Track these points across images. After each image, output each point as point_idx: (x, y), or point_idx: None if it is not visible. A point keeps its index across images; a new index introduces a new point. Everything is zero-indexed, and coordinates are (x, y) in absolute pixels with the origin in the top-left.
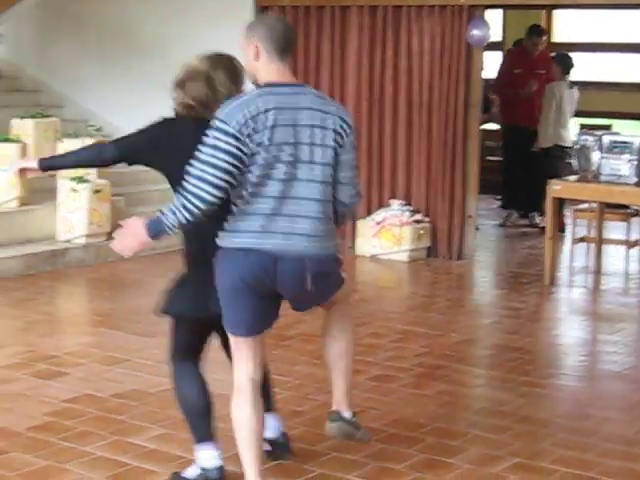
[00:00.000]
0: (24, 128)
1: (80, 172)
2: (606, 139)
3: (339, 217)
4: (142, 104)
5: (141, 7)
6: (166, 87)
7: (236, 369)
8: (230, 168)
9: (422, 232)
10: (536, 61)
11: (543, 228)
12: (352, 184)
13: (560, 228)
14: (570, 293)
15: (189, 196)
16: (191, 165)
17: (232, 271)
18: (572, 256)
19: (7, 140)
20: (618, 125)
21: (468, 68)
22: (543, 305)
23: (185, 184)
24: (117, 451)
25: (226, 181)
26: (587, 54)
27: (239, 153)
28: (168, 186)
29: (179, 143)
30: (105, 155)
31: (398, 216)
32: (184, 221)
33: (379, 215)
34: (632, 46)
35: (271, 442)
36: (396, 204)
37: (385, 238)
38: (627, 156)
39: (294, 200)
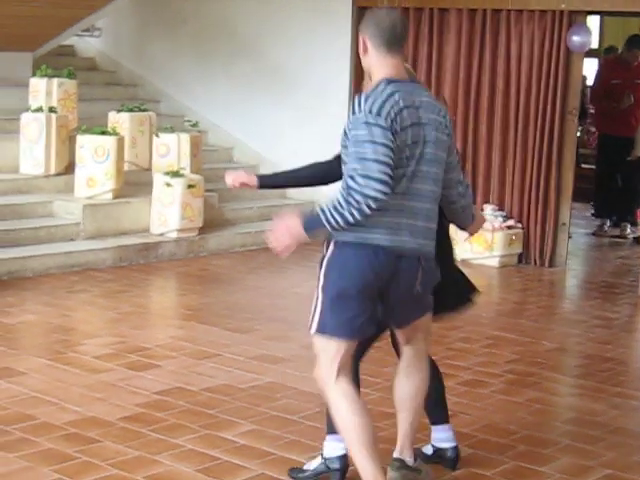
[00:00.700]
0: (120, 121)
1: (175, 166)
2: None
3: (458, 213)
4: (238, 102)
5: (240, 6)
6: (262, 86)
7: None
8: (391, 162)
9: (514, 238)
10: (634, 71)
11: (635, 239)
12: (461, 180)
13: None
14: None
15: (356, 195)
16: (349, 162)
17: (356, 267)
18: None
19: (104, 133)
20: None
21: (567, 75)
22: (637, 316)
23: (350, 182)
24: (207, 445)
25: (390, 176)
26: None
27: (393, 146)
28: None
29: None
30: (329, 176)
31: (491, 221)
32: (350, 219)
33: None
34: None
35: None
36: (489, 209)
37: (477, 243)
38: None
39: (416, 197)
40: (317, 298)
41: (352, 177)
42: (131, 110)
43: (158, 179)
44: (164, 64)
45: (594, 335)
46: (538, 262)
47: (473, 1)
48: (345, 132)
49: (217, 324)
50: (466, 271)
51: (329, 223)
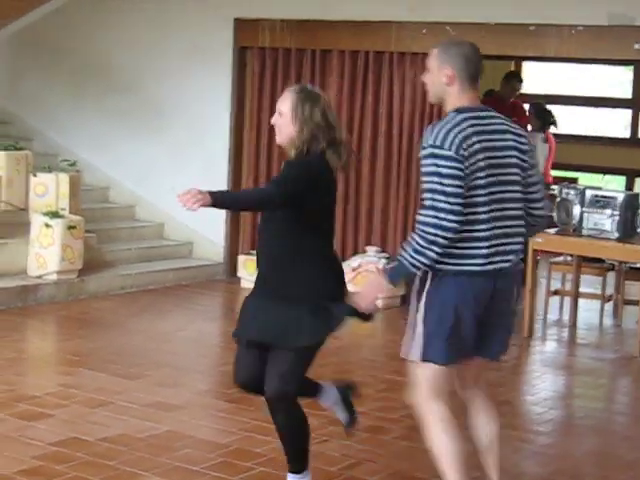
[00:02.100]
0: None
1: (54, 207)
2: (589, 193)
3: (531, 231)
4: (113, 140)
5: (118, 42)
6: (137, 123)
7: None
8: (459, 191)
9: None
10: (508, 107)
11: None
12: (541, 198)
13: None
14: (549, 346)
15: (429, 228)
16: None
17: (457, 295)
18: (547, 309)
19: None
20: (584, 178)
21: None
22: (524, 358)
23: (421, 217)
24: None
25: (460, 204)
26: (555, 106)
27: (462, 174)
28: (138, 224)
29: (329, 177)
30: (273, 201)
31: (374, 263)
32: (433, 255)
33: (355, 261)
34: (598, 100)
35: None
36: (372, 250)
37: (361, 284)
38: (609, 211)
39: (504, 220)
40: (416, 327)
41: (423, 210)
42: (6, 149)
43: (36, 220)
44: (37, 101)
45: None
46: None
47: (355, 43)
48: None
49: (105, 370)
50: None
51: (414, 267)
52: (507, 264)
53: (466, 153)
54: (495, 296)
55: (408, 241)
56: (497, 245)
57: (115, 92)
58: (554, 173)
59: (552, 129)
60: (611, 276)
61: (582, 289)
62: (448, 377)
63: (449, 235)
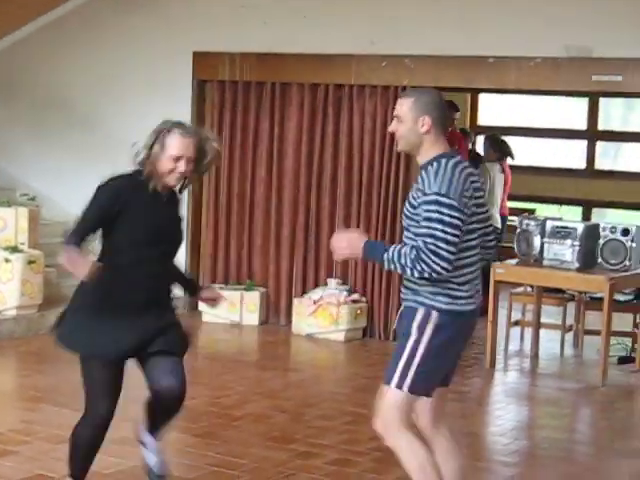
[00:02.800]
0: None
1: (13, 241)
2: (549, 224)
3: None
4: (72, 174)
5: (78, 77)
6: (97, 158)
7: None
8: (456, 240)
9: (359, 312)
10: (449, 139)
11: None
12: (492, 231)
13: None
14: (511, 377)
15: (422, 265)
16: (419, 234)
17: (449, 332)
18: (508, 339)
19: None
20: (541, 209)
21: None
22: (487, 389)
23: (419, 253)
24: None
25: (454, 253)
26: (511, 138)
27: (461, 224)
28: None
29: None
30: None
31: (335, 295)
32: (409, 274)
33: (316, 294)
34: (554, 131)
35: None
36: (333, 283)
37: (322, 317)
38: (570, 241)
39: (477, 264)
40: (403, 357)
41: (421, 248)
42: None
43: None
44: None
45: (449, 409)
46: (382, 336)
47: (315, 76)
48: (411, 204)
49: (67, 405)
50: (311, 346)
51: (388, 264)
52: (478, 304)
53: (466, 201)
54: (469, 334)
55: (405, 250)
56: (476, 285)
57: (75, 126)
58: (511, 204)
59: (509, 160)
60: (571, 306)
61: (543, 319)
62: (414, 405)
63: (434, 276)
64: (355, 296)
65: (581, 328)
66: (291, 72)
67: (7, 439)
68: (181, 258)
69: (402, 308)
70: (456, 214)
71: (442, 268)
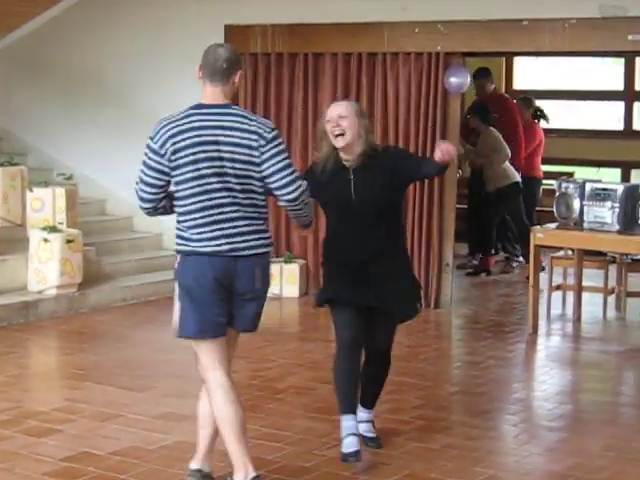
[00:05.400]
0: None
1: (51, 221)
2: (588, 187)
3: (293, 216)
4: (108, 152)
5: (111, 55)
6: (132, 135)
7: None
8: (151, 181)
9: None
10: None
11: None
12: (284, 185)
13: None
14: (554, 341)
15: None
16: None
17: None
18: (549, 304)
19: None
20: (580, 172)
21: (445, 115)
22: (530, 354)
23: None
24: None
25: (151, 193)
26: (547, 101)
27: (158, 167)
28: (136, 235)
29: None
30: None
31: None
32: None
33: None
34: (590, 93)
35: None
36: None
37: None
38: (609, 204)
39: (207, 210)
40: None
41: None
42: (1, 165)
43: (34, 235)
44: (30, 115)
45: (494, 376)
46: (423, 303)
47: (348, 45)
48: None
49: (112, 383)
50: None
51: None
52: (227, 247)
53: (170, 148)
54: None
55: None
56: (217, 230)
57: (109, 104)
58: (549, 168)
59: (543, 123)
60: (612, 269)
61: (584, 283)
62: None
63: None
64: None
65: (623, 290)
66: (323, 42)
67: (52, 418)
68: None
69: None
70: (154, 157)
71: (141, 208)
